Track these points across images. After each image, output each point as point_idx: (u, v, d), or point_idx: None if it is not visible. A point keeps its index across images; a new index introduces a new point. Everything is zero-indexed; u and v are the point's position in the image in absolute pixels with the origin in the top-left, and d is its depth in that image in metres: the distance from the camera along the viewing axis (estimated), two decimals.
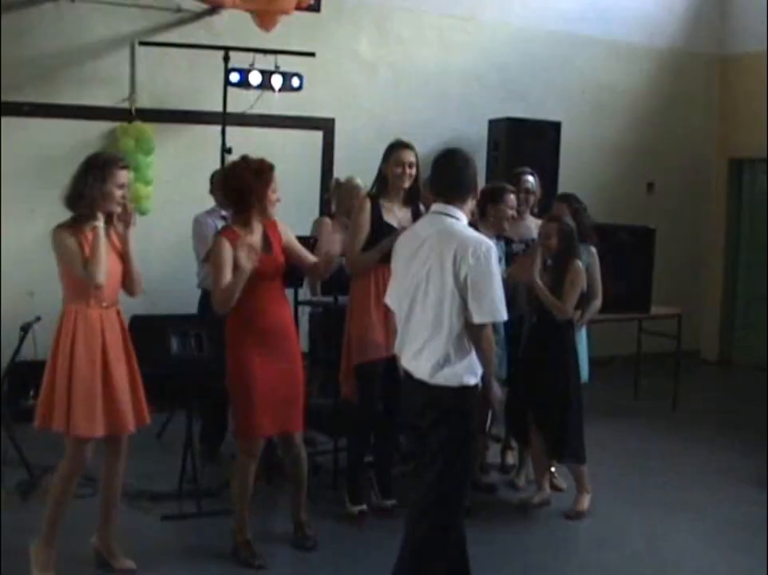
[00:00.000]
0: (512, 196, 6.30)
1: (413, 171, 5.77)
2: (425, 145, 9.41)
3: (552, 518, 6.10)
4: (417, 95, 9.69)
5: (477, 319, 4.15)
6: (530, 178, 6.97)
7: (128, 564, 5.01)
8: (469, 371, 4.25)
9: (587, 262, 6.36)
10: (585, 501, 6.13)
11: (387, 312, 5.50)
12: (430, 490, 4.31)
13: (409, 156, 5.77)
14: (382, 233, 5.60)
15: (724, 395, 10.17)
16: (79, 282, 4.75)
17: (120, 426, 4.80)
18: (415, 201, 5.86)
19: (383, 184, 5.84)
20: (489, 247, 4.21)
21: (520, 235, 6.73)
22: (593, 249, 6.62)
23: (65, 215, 7.91)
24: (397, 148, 5.82)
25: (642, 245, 8.84)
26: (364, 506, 5.98)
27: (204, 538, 5.45)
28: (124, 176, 4.79)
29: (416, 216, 5.73)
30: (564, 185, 9.23)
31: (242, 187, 5.09)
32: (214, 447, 6.90)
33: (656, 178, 11.23)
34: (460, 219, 4.36)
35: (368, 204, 5.77)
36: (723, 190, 11.56)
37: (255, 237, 5.13)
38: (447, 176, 4.49)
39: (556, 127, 9.70)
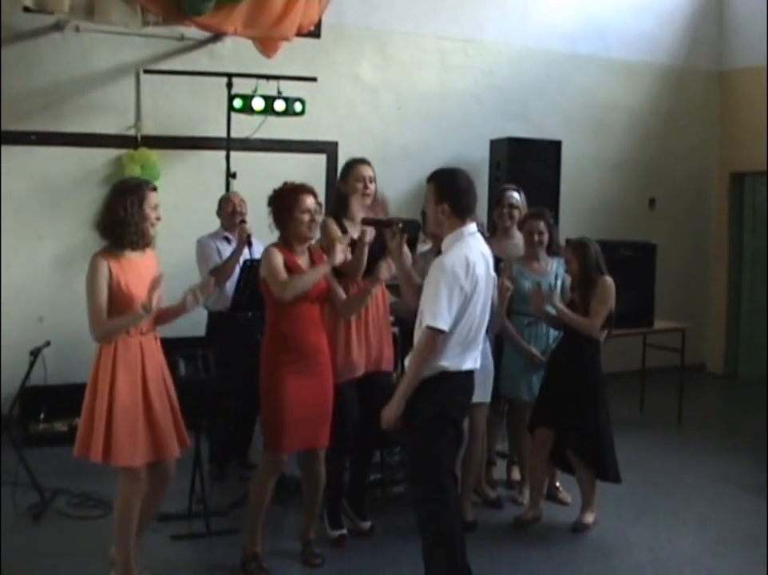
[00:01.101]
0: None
1: (373, 186, 5.82)
2: (427, 167, 9.40)
3: (556, 531, 6.17)
4: (419, 117, 9.77)
5: None
6: (515, 194, 7.00)
7: None
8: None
9: (563, 275, 6.45)
10: (591, 517, 6.20)
11: (365, 329, 5.68)
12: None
13: (368, 171, 5.81)
14: (352, 251, 5.53)
15: (729, 408, 10.21)
16: (118, 310, 4.75)
17: (164, 453, 4.87)
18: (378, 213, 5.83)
19: (342, 202, 5.85)
20: (444, 261, 4.63)
21: (508, 253, 6.73)
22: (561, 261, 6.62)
23: (73, 241, 8.15)
24: (354, 164, 5.86)
25: (644, 260, 8.90)
26: (344, 530, 5.91)
27: (213, 557, 5.53)
28: (155, 197, 4.88)
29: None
30: (565, 203, 9.33)
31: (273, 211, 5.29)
32: (222, 467, 6.98)
33: (658, 193, 11.27)
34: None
35: (333, 223, 5.74)
36: (725, 204, 11.59)
37: (303, 259, 5.28)
38: (472, 194, 4.78)
39: (556, 146, 9.75)
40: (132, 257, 4.84)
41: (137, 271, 4.82)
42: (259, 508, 5.31)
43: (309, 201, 5.21)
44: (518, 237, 6.87)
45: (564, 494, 6.65)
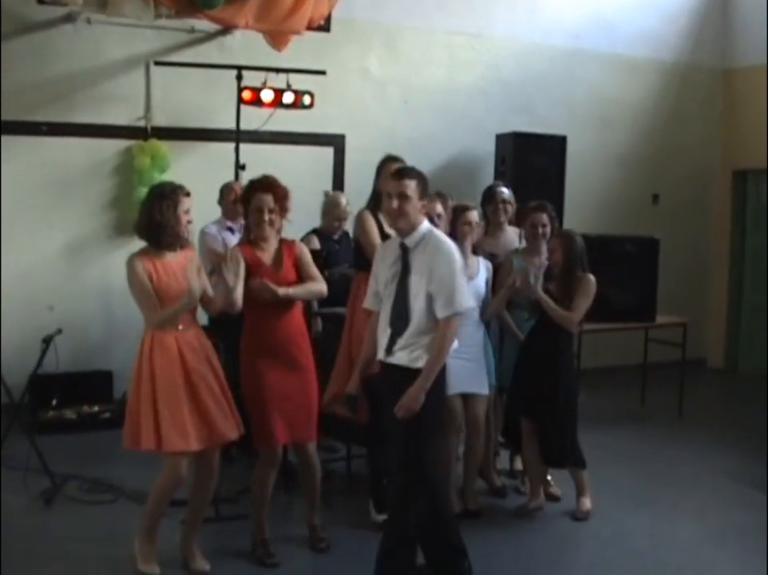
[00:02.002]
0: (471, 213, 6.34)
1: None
2: (433, 160, 9.75)
3: (556, 520, 6.27)
4: (426, 111, 9.84)
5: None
6: (504, 189, 7.11)
7: (204, 565, 5.28)
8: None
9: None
10: (588, 502, 6.29)
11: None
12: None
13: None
14: None
15: (729, 402, 10.29)
16: (146, 317, 5.02)
17: (213, 439, 5.06)
18: None
19: (378, 198, 5.86)
20: (450, 247, 4.83)
21: (502, 246, 6.86)
22: None
23: (83, 231, 8.24)
24: (388, 162, 5.93)
25: (646, 255, 8.98)
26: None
27: (222, 541, 5.62)
28: (188, 202, 5.11)
29: None
30: (569, 197, 9.41)
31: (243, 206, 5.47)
32: (229, 453, 7.07)
33: (661, 189, 11.35)
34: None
35: (371, 217, 5.91)
36: (727, 201, 11.68)
37: (267, 254, 5.37)
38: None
39: (561, 140, 9.82)
40: (166, 257, 5.06)
41: (171, 269, 5.04)
42: (263, 503, 5.43)
43: (260, 200, 5.28)
44: (510, 231, 7.02)
45: (554, 489, 6.66)
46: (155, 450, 4.95)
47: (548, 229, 6.51)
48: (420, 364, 4.71)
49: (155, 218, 5.00)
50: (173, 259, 5.08)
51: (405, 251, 4.81)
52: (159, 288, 4.98)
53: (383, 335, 4.83)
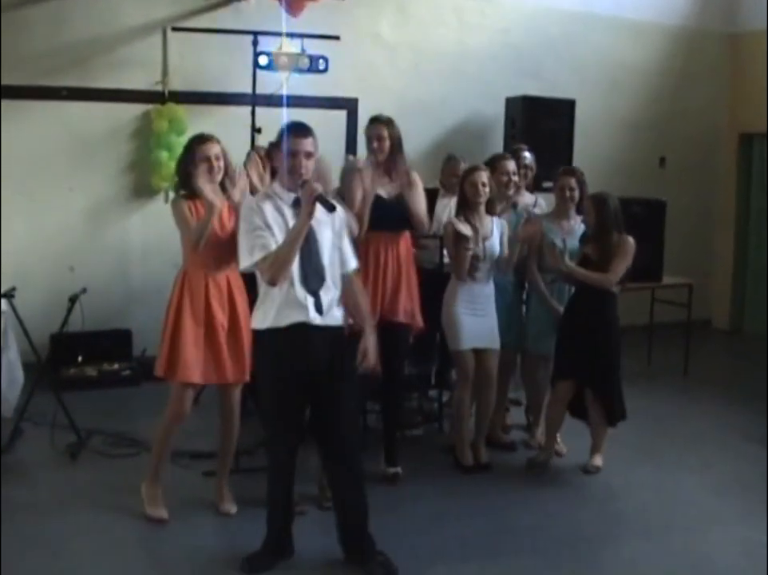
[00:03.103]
0: (509, 163, 6.63)
1: (385, 144, 5.94)
2: (444, 123, 9.92)
3: (566, 473, 6.47)
4: (437, 75, 9.92)
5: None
6: (527, 154, 7.20)
7: (231, 508, 5.57)
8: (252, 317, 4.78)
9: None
10: (600, 459, 6.44)
11: (382, 281, 5.91)
12: None
13: (378, 130, 5.97)
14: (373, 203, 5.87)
15: (734, 362, 10.40)
16: (187, 248, 5.29)
17: (217, 377, 5.32)
18: (393, 170, 6.00)
19: (368, 158, 6.07)
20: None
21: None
22: None
23: (102, 193, 8.46)
24: (369, 123, 6.08)
25: (654, 217, 9.12)
26: (398, 469, 6.20)
27: (241, 492, 5.75)
28: (209, 148, 5.29)
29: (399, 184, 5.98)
30: (578, 161, 9.48)
31: None
32: (246, 406, 7.26)
33: (668, 152, 11.43)
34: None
35: (358, 178, 5.95)
36: (734, 163, 11.78)
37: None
38: None
39: (570, 104, 9.89)
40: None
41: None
42: None
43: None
44: (527, 196, 7.16)
45: (560, 446, 6.81)
46: (164, 377, 5.29)
47: (576, 193, 6.60)
48: (342, 320, 4.81)
49: (178, 167, 5.40)
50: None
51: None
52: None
53: (296, 294, 4.62)
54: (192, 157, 5.26)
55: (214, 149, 5.29)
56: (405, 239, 6.12)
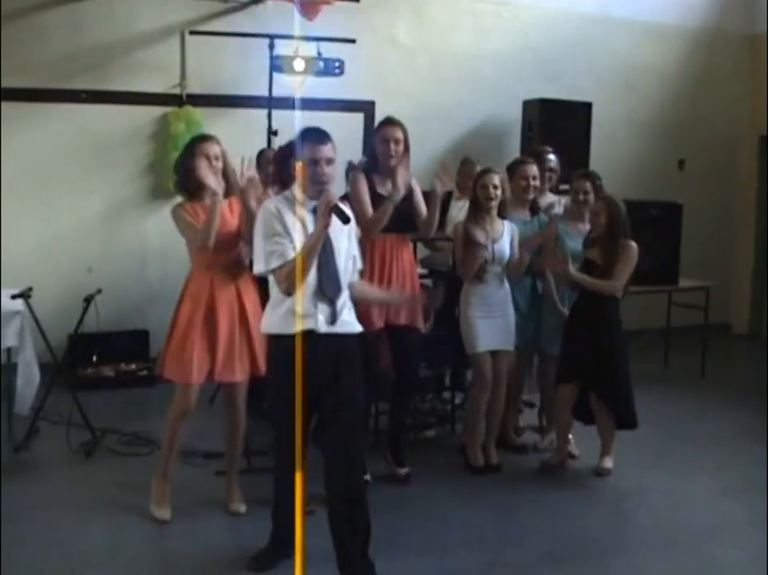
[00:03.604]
0: (530, 167, 6.56)
1: (400, 147, 5.91)
2: (461, 126, 9.95)
3: (577, 475, 6.48)
4: (454, 78, 9.96)
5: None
6: (552, 156, 7.21)
7: (240, 507, 5.62)
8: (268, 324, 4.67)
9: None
10: (611, 461, 6.46)
11: (382, 280, 5.88)
12: None
13: (396, 133, 5.93)
14: (376, 204, 5.85)
15: (752, 367, 10.33)
16: (193, 251, 5.34)
17: (219, 375, 5.36)
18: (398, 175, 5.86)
19: (374, 159, 6.03)
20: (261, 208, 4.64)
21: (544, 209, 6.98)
22: None
23: (120, 195, 8.54)
24: (383, 125, 6.04)
25: (670, 220, 9.12)
26: (407, 469, 6.24)
27: (253, 492, 5.76)
28: (208, 148, 5.32)
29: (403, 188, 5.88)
30: (595, 163, 9.47)
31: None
32: (259, 406, 7.32)
33: (688, 155, 11.39)
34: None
35: (363, 177, 5.95)
36: (754, 166, 11.72)
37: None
38: None
39: (587, 107, 9.90)
40: (205, 203, 5.31)
41: (207, 212, 5.27)
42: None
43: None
44: (551, 197, 7.16)
45: (573, 447, 6.81)
46: (157, 374, 5.44)
47: (591, 197, 6.60)
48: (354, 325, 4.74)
49: (178, 165, 5.43)
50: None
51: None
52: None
53: (306, 303, 4.52)
54: (192, 155, 5.30)
55: (214, 149, 5.33)
56: (408, 242, 6.19)
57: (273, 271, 4.48)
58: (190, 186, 5.34)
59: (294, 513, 4.62)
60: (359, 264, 4.89)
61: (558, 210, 7.16)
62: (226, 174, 5.40)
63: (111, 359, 8.38)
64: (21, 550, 4.99)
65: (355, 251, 4.82)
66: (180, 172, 5.39)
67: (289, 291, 4.44)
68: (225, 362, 5.34)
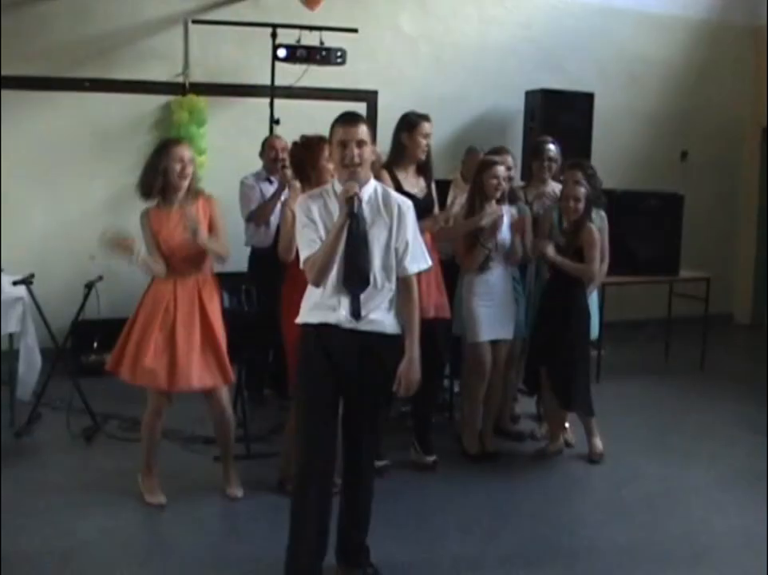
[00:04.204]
0: (499, 169, 6.41)
1: (430, 142, 6.01)
2: (464, 116, 9.98)
3: (572, 463, 6.53)
4: (456, 68, 9.99)
5: None
6: (552, 146, 7.19)
7: (237, 492, 5.67)
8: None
9: (599, 226, 6.59)
10: (599, 443, 6.52)
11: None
12: None
13: (429, 128, 5.96)
14: None
15: (753, 357, 10.35)
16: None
17: (180, 384, 5.34)
18: (428, 170, 6.06)
19: (400, 153, 6.00)
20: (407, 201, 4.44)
21: (544, 200, 7.04)
22: (603, 213, 6.83)
23: (123, 183, 8.53)
24: (419, 119, 5.96)
25: (671, 211, 9.14)
26: (435, 457, 6.30)
27: (252, 477, 5.87)
28: (179, 151, 5.31)
29: (429, 184, 6.05)
30: (597, 154, 9.51)
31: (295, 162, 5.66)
32: (260, 393, 7.38)
33: (690, 146, 11.38)
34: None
35: (387, 175, 5.84)
36: (756, 157, 11.75)
37: None
38: None
39: (589, 97, 9.90)
40: (174, 209, 5.35)
41: (175, 221, 5.32)
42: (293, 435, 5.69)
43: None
44: (551, 185, 7.17)
45: (569, 435, 6.87)
46: (109, 369, 5.55)
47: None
48: (398, 328, 4.47)
49: (147, 165, 5.38)
50: (182, 210, 5.31)
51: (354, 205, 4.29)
52: (162, 239, 5.31)
53: (329, 294, 4.35)
54: (165, 157, 5.28)
55: (188, 153, 5.35)
56: (428, 233, 6.11)
57: (304, 263, 4.33)
58: (155, 188, 5.32)
59: (322, 503, 4.47)
60: (413, 264, 4.46)
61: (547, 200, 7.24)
62: (192, 179, 5.41)
63: (112, 346, 8.37)
64: (22, 534, 5.05)
65: (404, 244, 4.41)
66: (150, 174, 5.32)
67: (316, 283, 4.30)
68: (185, 370, 5.32)
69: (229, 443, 5.69)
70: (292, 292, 5.08)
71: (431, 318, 5.95)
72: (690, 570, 5.01)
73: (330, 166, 4.95)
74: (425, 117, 6.02)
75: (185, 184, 5.34)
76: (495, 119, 10.13)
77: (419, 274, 4.66)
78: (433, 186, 6.20)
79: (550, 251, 6.26)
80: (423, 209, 5.74)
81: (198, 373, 5.34)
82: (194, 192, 5.42)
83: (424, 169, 6.07)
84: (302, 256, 4.33)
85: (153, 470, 5.58)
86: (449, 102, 9.76)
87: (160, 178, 5.28)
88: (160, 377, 5.30)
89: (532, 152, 7.28)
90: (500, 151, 6.80)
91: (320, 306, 4.34)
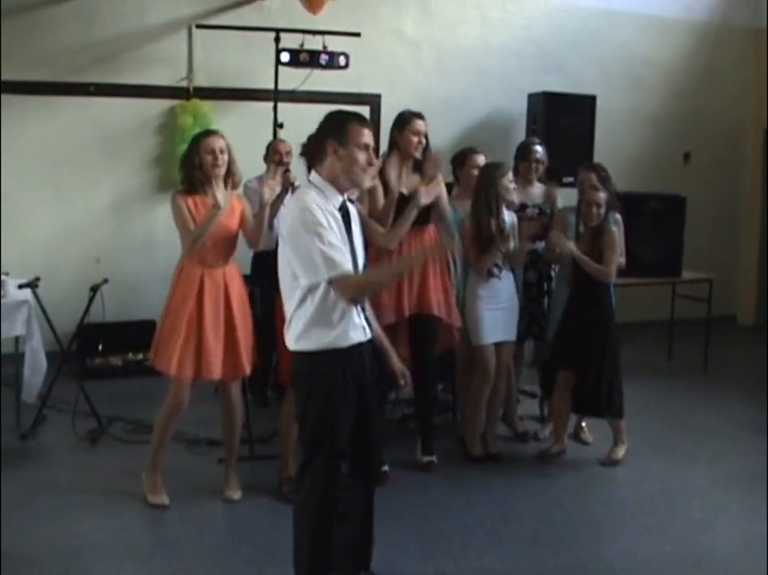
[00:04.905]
0: (480, 157, 6.57)
1: (424, 140, 5.99)
2: (467, 119, 10.02)
3: (574, 464, 6.55)
4: (459, 71, 10.02)
5: (324, 275, 3.99)
6: (539, 148, 7.25)
7: (234, 494, 5.72)
8: (299, 337, 4.15)
9: (615, 229, 6.59)
10: (621, 451, 6.56)
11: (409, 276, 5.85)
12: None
13: (422, 127, 5.96)
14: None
15: (756, 358, 10.36)
16: (184, 244, 5.44)
17: (206, 372, 5.43)
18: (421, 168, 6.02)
19: (392, 150, 6.08)
20: (298, 214, 3.99)
21: (531, 201, 7.10)
22: (618, 216, 6.85)
23: (128, 187, 8.63)
24: (411, 117, 6.00)
25: (673, 212, 9.14)
26: (433, 457, 6.33)
27: (254, 479, 5.96)
28: (213, 142, 5.43)
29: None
30: (599, 156, 9.49)
31: None
32: (263, 395, 7.41)
33: (693, 148, 11.40)
34: (315, 185, 4.14)
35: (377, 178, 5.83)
36: (759, 158, 11.73)
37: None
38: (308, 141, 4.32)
39: (591, 100, 9.90)
40: (207, 198, 5.43)
41: (207, 209, 5.39)
42: (289, 440, 5.72)
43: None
44: (538, 187, 7.25)
45: (586, 434, 6.97)
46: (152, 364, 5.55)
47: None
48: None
49: (183, 159, 5.51)
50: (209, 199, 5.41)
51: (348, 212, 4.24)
52: (198, 223, 5.36)
53: (348, 310, 4.15)
54: (198, 150, 5.41)
55: (219, 143, 5.43)
56: (430, 232, 6.16)
57: (333, 280, 4.00)
58: (196, 181, 5.42)
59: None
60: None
61: (558, 202, 7.30)
62: (230, 167, 5.52)
63: (119, 349, 8.47)
64: (27, 535, 5.12)
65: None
66: (187, 168, 5.46)
67: (356, 300, 4.12)
68: (216, 359, 5.43)
69: (233, 442, 5.75)
70: None
71: (426, 315, 6.03)
72: (692, 571, 5.04)
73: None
74: (418, 115, 6.04)
75: (220, 172, 5.44)
76: (498, 122, 10.16)
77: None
78: (442, 186, 6.19)
79: (574, 249, 6.27)
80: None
81: (226, 362, 5.48)
82: (233, 181, 5.57)
83: (421, 167, 6.05)
84: (336, 271, 3.99)
85: (158, 469, 5.63)
86: (452, 105, 9.81)
87: (197, 171, 5.40)
88: (185, 365, 5.39)
89: (520, 154, 7.32)
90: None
91: (350, 327, 4.16)
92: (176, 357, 5.36)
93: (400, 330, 6.06)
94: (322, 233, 3.95)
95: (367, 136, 4.10)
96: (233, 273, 5.57)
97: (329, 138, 4.10)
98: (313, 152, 4.24)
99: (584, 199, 6.43)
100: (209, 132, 5.60)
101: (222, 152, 5.43)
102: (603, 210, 6.31)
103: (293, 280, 4.10)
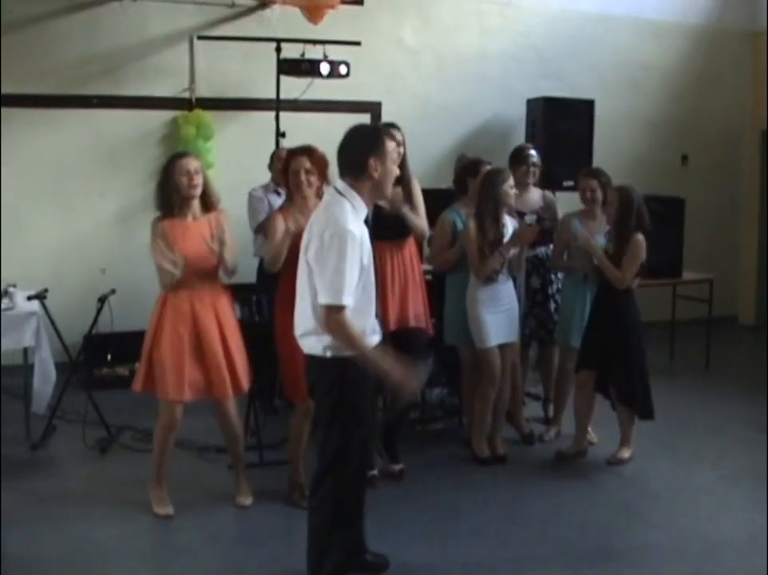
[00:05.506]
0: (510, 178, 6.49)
1: (401, 150, 5.82)
2: (467, 125, 10.08)
3: (580, 464, 6.60)
4: (458, 78, 10.09)
5: (320, 299, 4.12)
6: (533, 152, 7.29)
7: (245, 500, 5.75)
8: (330, 345, 4.20)
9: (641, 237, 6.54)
10: (627, 453, 6.60)
11: (384, 286, 5.79)
12: (321, 459, 4.40)
13: (398, 136, 5.82)
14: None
15: (757, 358, 10.36)
16: (161, 278, 5.45)
17: (212, 392, 5.48)
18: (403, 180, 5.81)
19: None
20: (337, 232, 4.06)
21: (528, 206, 7.13)
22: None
23: (132, 198, 8.70)
24: (388, 128, 5.73)
25: (672, 214, 9.20)
26: (402, 465, 6.30)
27: (264, 485, 5.98)
28: (187, 164, 5.39)
29: (407, 194, 5.94)
30: (598, 160, 9.56)
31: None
32: (271, 402, 7.45)
33: (690, 151, 11.48)
34: (346, 197, 4.21)
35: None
36: (756, 160, 11.80)
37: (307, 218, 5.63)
38: (341, 153, 4.29)
39: (589, 104, 9.96)
40: (188, 221, 5.46)
41: (190, 233, 5.41)
42: (299, 448, 5.77)
43: (297, 162, 5.52)
44: (534, 192, 7.30)
45: (591, 435, 6.96)
46: (140, 391, 5.54)
47: (599, 194, 6.68)
48: None
49: (158, 184, 5.49)
50: (196, 223, 5.45)
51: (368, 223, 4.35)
52: (179, 249, 5.35)
53: (371, 320, 4.35)
54: (172, 173, 5.37)
55: (193, 164, 5.39)
56: (409, 246, 6.15)
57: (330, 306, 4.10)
58: (173, 204, 5.42)
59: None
60: None
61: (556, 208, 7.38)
62: (206, 188, 5.50)
63: (125, 359, 8.52)
64: (38, 543, 5.18)
65: None
66: (163, 192, 5.44)
67: (331, 334, 4.15)
68: (216, 379, 5.46)
69: (238, 452, 5.80)
70: (285, 301, 5.03)
71: (411, 328, 6.04)
72: (698, 567, 5.09)
73: None
74: (395, 126, 5.97)
75: (196, 193, 5.42)
76: (497, 127, 10.22)
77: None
78: (417, 192, 6.13)
79: (599, 250, 6.31)
80: (390, 220, 5.72)
81: (219, 381, 5.48)
82: (210, 202, 5.52)
83: (400, 180, 5.66)
84: (339, 299, 4.08)
85: (162, 483, 5.66)
86: (452, 112, 9.89)
87: (173, 194, 5.38)
88: (179, 389, 5.39)
89: (515, 160, 7.30)
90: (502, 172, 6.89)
91: (372, 332, 4.33)
92: (172, 384, 5.38)
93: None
94: (354, 260, 4.06)
95: (394, 148, 4.21)
96: (219, 292, 5.58)
97: (371, 156, 4.16)
98: (351, 166, 4.24)
99: (608, 201, 6.44)
100: (182, 155, 5.58)
101: (197, 172, 5.39)
102: (613, 210, 6.29)
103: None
